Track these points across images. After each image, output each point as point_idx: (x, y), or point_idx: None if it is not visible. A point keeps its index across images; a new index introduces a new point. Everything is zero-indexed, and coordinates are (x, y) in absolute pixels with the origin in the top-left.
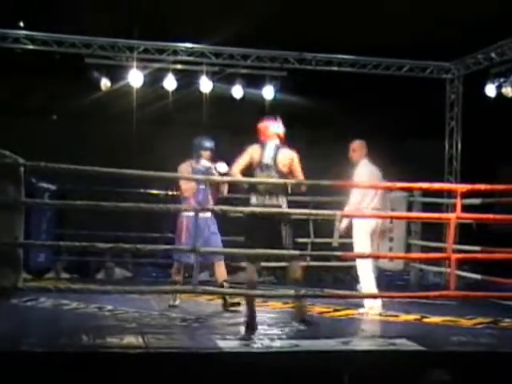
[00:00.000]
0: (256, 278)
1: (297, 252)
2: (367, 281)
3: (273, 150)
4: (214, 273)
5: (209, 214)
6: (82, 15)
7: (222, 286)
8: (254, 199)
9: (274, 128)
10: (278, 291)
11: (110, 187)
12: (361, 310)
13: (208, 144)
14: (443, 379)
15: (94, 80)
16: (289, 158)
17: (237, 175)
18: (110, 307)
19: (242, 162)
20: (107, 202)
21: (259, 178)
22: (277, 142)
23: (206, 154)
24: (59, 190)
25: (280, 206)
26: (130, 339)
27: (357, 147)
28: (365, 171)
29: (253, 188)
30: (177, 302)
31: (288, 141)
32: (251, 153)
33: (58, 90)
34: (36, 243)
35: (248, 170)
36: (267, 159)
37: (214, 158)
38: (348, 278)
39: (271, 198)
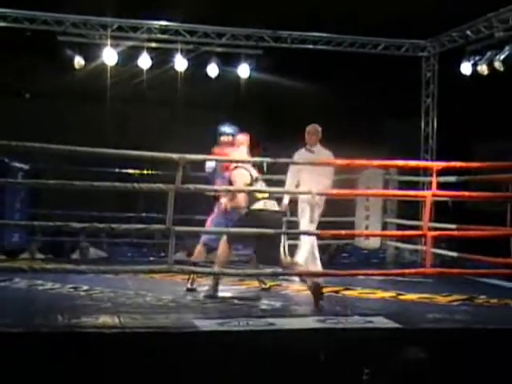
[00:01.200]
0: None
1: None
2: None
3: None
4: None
5: None
6: None
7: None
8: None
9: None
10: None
11: (84, 167)
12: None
13: (226, 129)
14: (419, 357)
15: (67, 58)
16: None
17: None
18: (85, 287)
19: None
20: (82, 182)
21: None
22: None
23: (225, 139)
24: (33, 169)
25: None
26: (106, 319)
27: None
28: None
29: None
30: (194, 286)
31: (263, 119)
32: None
33: (31, 68)
34: (10, 223)
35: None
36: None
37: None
38: (325, 256)
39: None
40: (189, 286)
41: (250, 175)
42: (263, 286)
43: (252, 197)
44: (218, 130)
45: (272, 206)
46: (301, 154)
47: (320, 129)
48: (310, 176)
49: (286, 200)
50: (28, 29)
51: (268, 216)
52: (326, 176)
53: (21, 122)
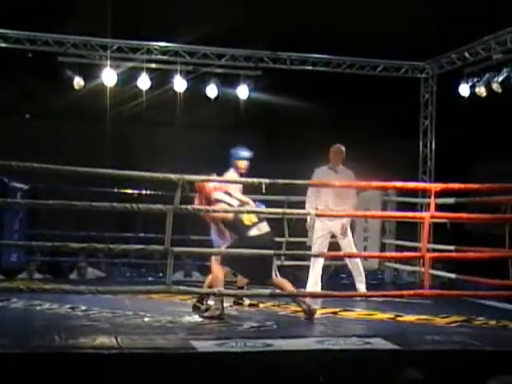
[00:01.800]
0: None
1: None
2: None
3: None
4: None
5: None
6: (54, 13)
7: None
8: (255, 231)
9: (210, 185)
10: (253, 291)
11: (83, 187)
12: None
13: (246, 154)
14: (416, 378)
15: (67, 79)
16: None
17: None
18: (83, 307)
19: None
20: (80, 202)
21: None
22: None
23: (243, 164)
24: (32, 189)
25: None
26: (104, 339)
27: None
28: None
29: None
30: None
31: (262, 139)
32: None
33: (31, 88)
34: (8, 243)
35: None
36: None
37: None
38: (325, 277)
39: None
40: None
41: (231, 205)
42: (244, 302)
43: (241, 223)
44: (234, 153)
45: (264, 227)
46: (323, 172)
47: (344, 149)
48: (332, 196)
49: (309, 220)
50: (29, 49)
51: (262, 240)
52: (349, 196)
53: (20, 141)
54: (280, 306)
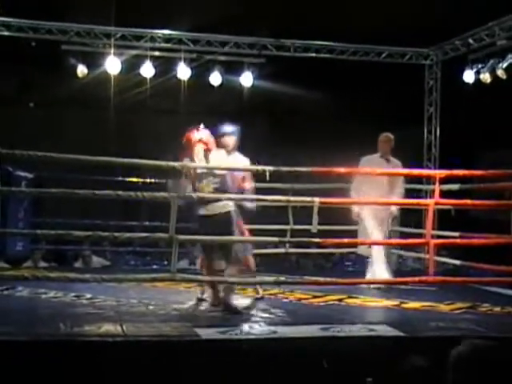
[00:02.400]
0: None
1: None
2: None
3: (202, 158)
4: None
5: None
6: (57, 1)
7: None
8: (202, 210)
9: (195, 136)
10: (257, 278)
11: (87, 175)
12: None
13: (228, 129)
14: (421, 365)
15: (70, 67)
16: (220, 159)
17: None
18: (88, 296)
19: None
20: (84, 190)
21: (201, 185)
22: (202, 148)
23: (227, 140)
24: (36, 178)
25: (229, 212)
26: (109, 327)
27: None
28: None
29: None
30: (205, 295)
31: (266, 127)
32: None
33: (35, 77)
34: (13, 232)
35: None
36: (200, 169)
37: None
38: (329, 264)
39: (218, 206)
40: (199, 295)
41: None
42: (258, 295)
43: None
44: (217, 131)
45: (215, 208)
46: (373, 160)
47: (392, 137)
48: (386, 184)
49: (355, 208)
50: (32, 38)
51: (208, 221)
52: (398, 185)
53: (24, 130)
54: (284, 293)
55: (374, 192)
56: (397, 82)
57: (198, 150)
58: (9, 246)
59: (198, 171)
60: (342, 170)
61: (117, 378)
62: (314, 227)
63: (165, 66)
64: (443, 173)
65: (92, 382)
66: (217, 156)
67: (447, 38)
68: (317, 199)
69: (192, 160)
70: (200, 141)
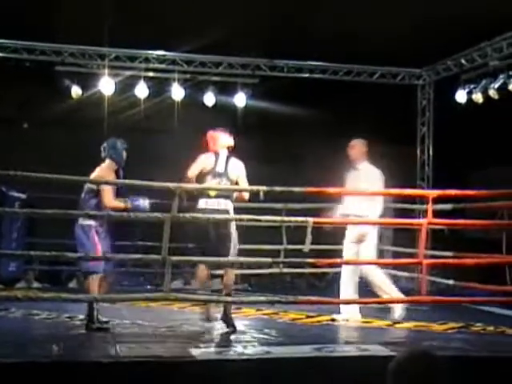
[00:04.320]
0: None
1: (238, 259)
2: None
3: (224, 160)
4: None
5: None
6: (52, 23)
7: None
8: (202, 203)
9: (225, 140)
10: (251, 298)
11: (80, 195)
12: (339, 317)
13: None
14: None
15: (64, 88)
16: (238, 167)
17: (192, 180)
18: (81, 316)
19: (195, 169)
20: (77, 211)
21: (210, 184)
22: (226, 152)
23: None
24: (30, 198)
25: (227, 211)
26: (102, 348)
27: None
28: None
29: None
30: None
31: (260, 147)
32: (204, 161)
33: (29, 98)
34: (6, 253)
35: (199, 177)
36: (220, 168)
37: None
38: (322, 284)
39: (219, 203)
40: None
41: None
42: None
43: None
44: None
45: (214, 204)
46: (348, 172)
47: (361, 142)
48: (350, 199)
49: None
50: (26, 59)
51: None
52: (372, 199)
53: (18, 150)
54: (278, 313)
55: (345, 207)
56: (389, 101)
57: (223, 153)
58: (2, 267)
59: (217, 170)
60: (333, 190)
61: None
62: (307, 247)
63: (159, 87)
64: (436, 192)
65: None
66: (237, 163)
67: (440, 58)
68: (310, 219)
69: (216, 158)
70: (228, 147)
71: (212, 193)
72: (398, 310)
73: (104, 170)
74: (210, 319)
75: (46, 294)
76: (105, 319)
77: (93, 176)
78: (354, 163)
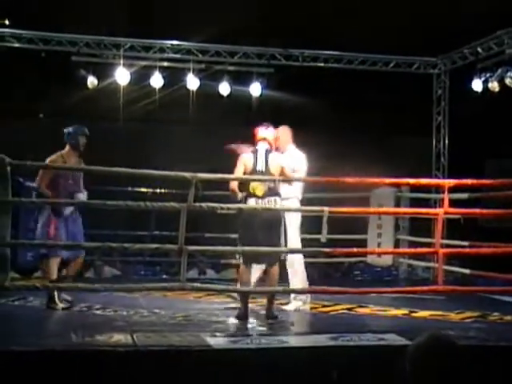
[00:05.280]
0: (249, 279)
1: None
2: (301, 275)
3: (263, 157)
4: None
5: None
6: (67, 13)
7: None
8: (252, 203)
9: (260, 133)
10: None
11: (97, 185)
12: (289, 307)
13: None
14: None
15: (80, 78)
16: (278, 160)
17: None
18: (98, 305)
19: (238, 171)
20: (94, 200)
21: (254, 184)
22: (266, 146)
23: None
24: None
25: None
26: (119, 337)
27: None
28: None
29: (250, 194)
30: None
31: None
32: (244, 162)
33: (45, 88)
34: (24, 242)
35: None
36: (260, 166)
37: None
38: (338, 274)
39: (269, 202)
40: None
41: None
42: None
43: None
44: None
45: (266, 203)
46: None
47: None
48: None
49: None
50: (42, 49)
51: (253, 215)
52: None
53: (34, 141)
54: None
55: None
56: (405, 91)
57: (261, 147)
58: (19, 257)
59: (258, 168)
60: (350, 180)
61: None
62: (324, 237)
63: (174, 77)
64: (452, 182)
65: None
66: (277, 156)
67: (455, 46)
68: (326, 208)
69: (255, 156)
70: (265, 139)
71: (259, 192)
72: (297, 303)
73: (56, 155)
74: (271, 316)
75: (63, 284)
76: (69, 298)
77: (47, 160)
78: (282, 150)
